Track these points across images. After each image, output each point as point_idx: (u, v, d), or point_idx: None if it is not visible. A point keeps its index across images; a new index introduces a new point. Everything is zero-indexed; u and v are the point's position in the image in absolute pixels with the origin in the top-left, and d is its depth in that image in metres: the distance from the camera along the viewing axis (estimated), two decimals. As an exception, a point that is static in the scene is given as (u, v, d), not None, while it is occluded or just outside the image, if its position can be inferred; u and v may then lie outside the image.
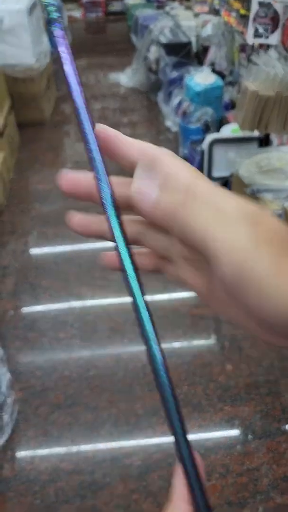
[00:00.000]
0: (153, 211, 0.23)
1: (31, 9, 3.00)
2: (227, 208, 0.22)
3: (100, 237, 0.28)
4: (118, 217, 0.25)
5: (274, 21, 1.96)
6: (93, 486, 1.30)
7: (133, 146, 0.25)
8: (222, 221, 0.21)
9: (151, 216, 0.24)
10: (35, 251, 2.21)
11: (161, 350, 0.25)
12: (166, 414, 0.25)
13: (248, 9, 2.34)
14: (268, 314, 0.20)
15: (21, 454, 1.39)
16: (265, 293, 0.20)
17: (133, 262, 0.25)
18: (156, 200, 0.23)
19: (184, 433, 0.25)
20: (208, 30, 3.27)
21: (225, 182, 2.37)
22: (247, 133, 2.19)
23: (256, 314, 0.21)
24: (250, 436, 1.40)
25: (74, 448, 1.39)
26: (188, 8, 4.21)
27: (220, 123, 2.69)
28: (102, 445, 1.40)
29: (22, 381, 1.57)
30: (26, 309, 1.87)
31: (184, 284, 0.27)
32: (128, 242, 0.25)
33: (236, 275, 0.21)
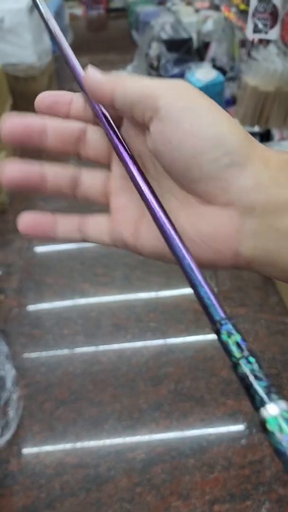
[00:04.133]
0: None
1: (31, 8, 3.01)
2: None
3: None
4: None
5: (273, 16, 1.96)
6: (97, 479, 1.32)
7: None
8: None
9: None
10: (39, 249, 2.24)
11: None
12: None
13: (247, 4, 2.33)
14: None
15: (27, 448, 1.41)
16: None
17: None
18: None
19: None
20: (208, 26, 3.27)
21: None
22: (248, 129, 2.19)
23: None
24: (252, 430, 1.42)
25: (79, 443, 1.41)
26: (189, 3, 4.20)
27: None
28: (106, 439, 1.42)
29: (27, 377, 1.60)
30: (30, 306, 1.89)
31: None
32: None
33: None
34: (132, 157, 0.28)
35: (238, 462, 1.34)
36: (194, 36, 3.44)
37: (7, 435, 1.42)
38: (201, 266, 0.27)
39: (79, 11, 6.50)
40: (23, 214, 0.32)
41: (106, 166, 0.32)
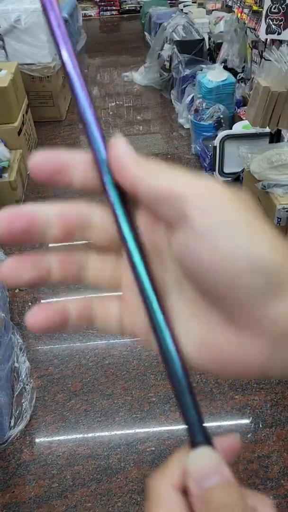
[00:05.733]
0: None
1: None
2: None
3: (35, 284, 0.25)
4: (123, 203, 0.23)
5: (287, 17, 1.98)
6: (108, 470, 1.35)
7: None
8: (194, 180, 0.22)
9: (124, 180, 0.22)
10: (53, 244, 2.27)
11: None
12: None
13: (260, 5, 2.36)
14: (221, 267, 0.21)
15: (40, 439, 1.44)
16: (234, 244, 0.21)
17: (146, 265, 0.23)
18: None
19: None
20: (220, 27, 3.29)
21: (237, 178, 2.40)
22: (258, 129, 2.21)
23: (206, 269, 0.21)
24: (260, 425, 1.44)
25: (90, 434, 1.44)
26: (201, 5, 4.22)
27: (233, 119, 2.71)
28: (117, 431, 1.45)
29: (41, 369, 1.63)
30: (44, 301, 1.93)
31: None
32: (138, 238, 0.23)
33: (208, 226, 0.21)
34: (138, 245, 0.23)
35: (246, 457, 1.35)
36: (206, 37, 3.47)
37: (21, 426, 1.45)
38: (219, 375, 0.25)
39: (92, 12, 6.56)
40: (30, 312, 0.25)
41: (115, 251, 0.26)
